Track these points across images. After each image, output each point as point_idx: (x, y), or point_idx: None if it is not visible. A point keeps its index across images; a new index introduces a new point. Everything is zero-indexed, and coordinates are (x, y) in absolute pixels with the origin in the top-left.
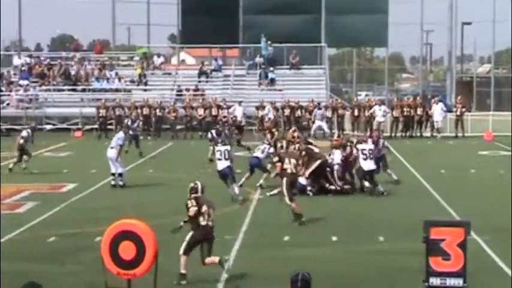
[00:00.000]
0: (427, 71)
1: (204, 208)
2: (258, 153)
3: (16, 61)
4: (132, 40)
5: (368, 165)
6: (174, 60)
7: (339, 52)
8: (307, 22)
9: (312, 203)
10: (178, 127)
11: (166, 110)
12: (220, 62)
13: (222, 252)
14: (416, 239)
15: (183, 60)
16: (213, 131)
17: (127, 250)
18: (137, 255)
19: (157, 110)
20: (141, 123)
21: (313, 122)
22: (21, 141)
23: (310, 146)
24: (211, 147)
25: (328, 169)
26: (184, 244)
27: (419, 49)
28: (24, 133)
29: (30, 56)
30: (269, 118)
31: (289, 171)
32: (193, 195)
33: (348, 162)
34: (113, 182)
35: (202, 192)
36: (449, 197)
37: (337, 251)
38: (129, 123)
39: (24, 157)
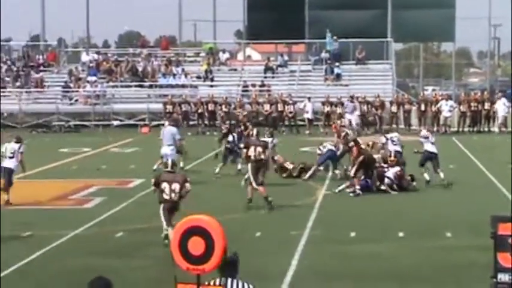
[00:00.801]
0: (495, 66)
1: (164, 185)
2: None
3: (84, 57)
4: (198, 36)
5: (431, 148)
6: (240, 56)
7: (405, 47)
8: (374, 17)
9: (379, 200)
10: None
11: (233, 106)
12: (286, 57)
13: (288, 249)
14: (484, 234)
15: (249, 56)
16: (235, 135)
17: (196, 246)
18: (206, 251)
19: (223, 106)
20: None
21: (342, 116)
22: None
23: (358, 140)
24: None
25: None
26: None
27: (487, 43)
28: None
29: (98, 53)
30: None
31: (252, 158)
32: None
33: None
34: None
35: (172, 168)
36: None
37: (403, 247)
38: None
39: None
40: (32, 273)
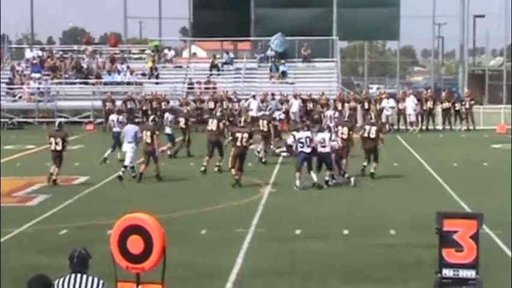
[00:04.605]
0: (439, 64)
1: (51, 139)
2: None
3: (28, 54)
4: (143, 33)
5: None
6: (185, 54)
7: (350, 45)
8: (319, 15)
9: (323, 197)
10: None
11: (178, 103)
12: (231, 55)
13: (233, 247)
14: (427, 232)
15: (195, 54)
16: None
17: (135, 244)
18: (145, 250)
19: (163, 103)
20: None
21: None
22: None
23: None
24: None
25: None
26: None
27: (431, 42)
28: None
29: (42, 49)
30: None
31: (238, 144)
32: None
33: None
34: (121, 173)
35: (59, 126)
36: (462, 190)
37: (348, 244)
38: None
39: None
40: None
